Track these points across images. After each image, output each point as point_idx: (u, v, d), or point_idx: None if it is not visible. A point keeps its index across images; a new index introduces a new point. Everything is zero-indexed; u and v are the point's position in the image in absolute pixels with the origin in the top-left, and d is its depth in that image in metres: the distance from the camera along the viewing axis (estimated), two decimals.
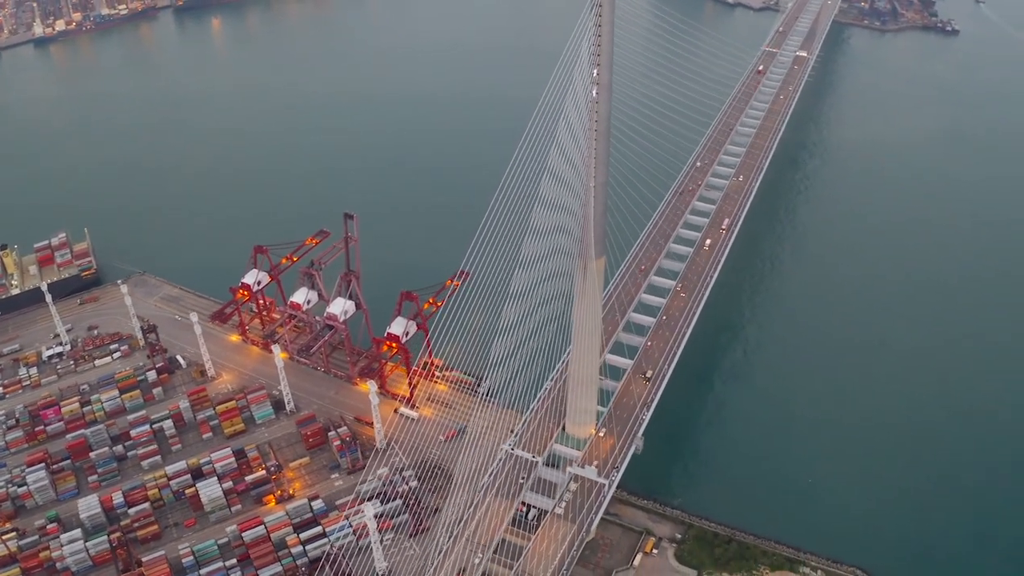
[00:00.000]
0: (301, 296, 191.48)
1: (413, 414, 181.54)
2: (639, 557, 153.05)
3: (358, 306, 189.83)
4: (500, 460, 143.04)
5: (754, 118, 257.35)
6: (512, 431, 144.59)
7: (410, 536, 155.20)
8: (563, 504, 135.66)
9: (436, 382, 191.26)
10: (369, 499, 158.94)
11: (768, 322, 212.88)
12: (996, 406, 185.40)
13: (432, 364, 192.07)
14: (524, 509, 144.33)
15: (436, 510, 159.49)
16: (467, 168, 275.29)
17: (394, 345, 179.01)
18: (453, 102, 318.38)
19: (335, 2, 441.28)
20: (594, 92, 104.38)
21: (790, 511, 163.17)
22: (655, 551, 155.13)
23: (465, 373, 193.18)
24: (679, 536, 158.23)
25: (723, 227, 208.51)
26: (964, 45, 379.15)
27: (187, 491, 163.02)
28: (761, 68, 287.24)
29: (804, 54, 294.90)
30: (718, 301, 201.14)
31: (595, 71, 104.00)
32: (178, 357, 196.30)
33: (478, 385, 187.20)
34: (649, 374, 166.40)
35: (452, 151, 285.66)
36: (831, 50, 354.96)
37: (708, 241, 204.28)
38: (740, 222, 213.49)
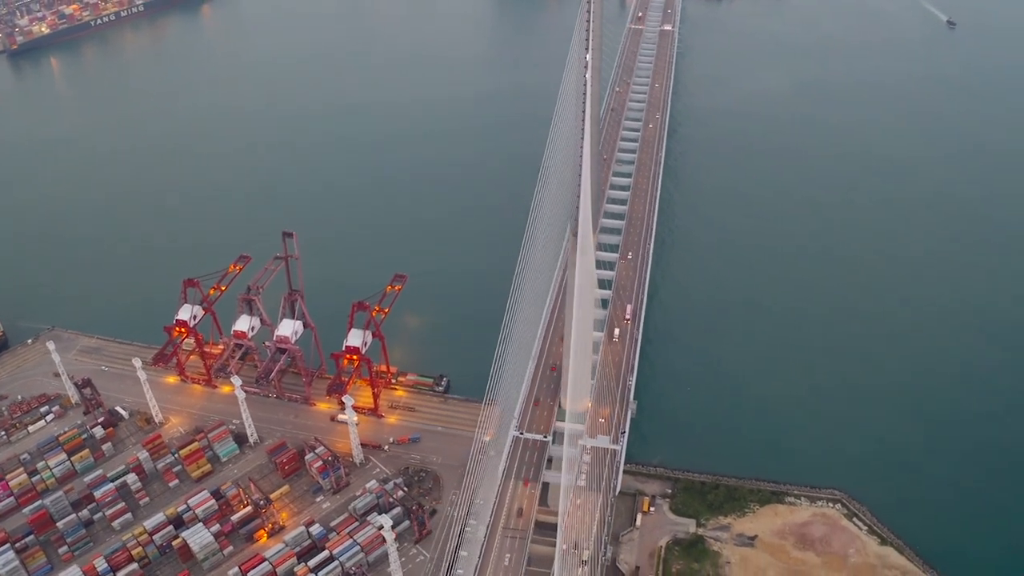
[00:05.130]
0: (244, 324, 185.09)
1: (353, 417, 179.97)
2: (639, 517, 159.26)
3: (306, 325, 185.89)
4: (510, 446, 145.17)
5: (641, 92, 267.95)
6: (515, 417, 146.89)
7: (415, 542, 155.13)
8: (582, 476, 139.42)
9: (395, 388, 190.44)
10: (365, 514, 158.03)
11: (712, 287, 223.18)
12: (951, 340, 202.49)
13: (389, 372, 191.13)
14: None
15: (433, 512, 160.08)
16: (372, 172, 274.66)
17: (355, 357, 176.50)
18: (327, 111, 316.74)
19: (170, 28, 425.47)
20: (587, 75, 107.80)
21: (764, 452, 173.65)
22: (652, 509, 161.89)
23: (422, 375, 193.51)
24: (669, 491, 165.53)
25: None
26: (797, 3, 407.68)
27: (173, 543, 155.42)
28: (641, 15, 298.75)
29: (668, 28, 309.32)
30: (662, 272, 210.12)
31: (587, 56, 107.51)
32: (118, 408, 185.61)
33: (437, 384, 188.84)
34: (586, 555, 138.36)
35: (355, 159, 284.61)
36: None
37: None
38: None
